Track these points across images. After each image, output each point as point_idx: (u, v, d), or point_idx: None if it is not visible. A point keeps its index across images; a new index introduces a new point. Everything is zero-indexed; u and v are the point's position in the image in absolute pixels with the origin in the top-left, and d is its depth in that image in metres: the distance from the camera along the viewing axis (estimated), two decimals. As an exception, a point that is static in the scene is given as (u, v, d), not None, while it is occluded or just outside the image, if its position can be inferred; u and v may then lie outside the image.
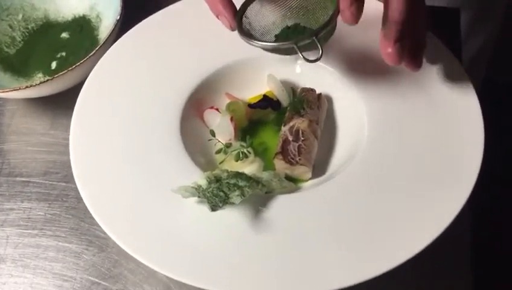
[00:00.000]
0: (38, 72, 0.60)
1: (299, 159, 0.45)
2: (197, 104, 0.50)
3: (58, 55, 0.61)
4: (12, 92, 0.52)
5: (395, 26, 0.39)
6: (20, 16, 0.64)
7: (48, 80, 0.52)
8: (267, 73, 0.50)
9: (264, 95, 0.50)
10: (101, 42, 0.54)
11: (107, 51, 0.53)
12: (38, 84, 0.52)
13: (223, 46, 0.51)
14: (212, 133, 0.48)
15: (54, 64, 0.60)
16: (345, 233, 0.40)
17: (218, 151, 0.48)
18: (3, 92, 0.52)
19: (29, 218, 0.50)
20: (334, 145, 0.48)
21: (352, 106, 0.48)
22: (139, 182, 0.44)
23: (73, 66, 0.52)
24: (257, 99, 0.50)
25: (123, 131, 0.47)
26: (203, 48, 0.52)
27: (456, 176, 0.42)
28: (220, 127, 0.48)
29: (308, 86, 0.50)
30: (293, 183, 0.45)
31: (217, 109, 0.49)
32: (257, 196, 0.42)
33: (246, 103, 0.51)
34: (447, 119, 0.45)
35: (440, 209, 0.40)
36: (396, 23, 0.39)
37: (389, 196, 0.42)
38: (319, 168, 0.47)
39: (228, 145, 0.48)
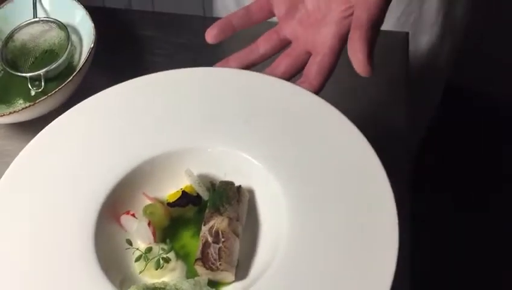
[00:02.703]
0: (19, 99, 0.65)
1: (220, 265, 0.44)
2: (113, 208, 0.48)
3: (37, 82, 0.65)
4: None
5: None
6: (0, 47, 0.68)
7: (29, 106, 0.59)
8: (185, 168, 0.49)
9: (183, 191, 0.49)
10: (77, 69, 0.61)
11: (24, 149, 0.51)
12: (20, 110, 0.59)
13: (137, 144, 0.50)
14: (129, 242, 0.46)
15: (32, 91, 0.64)
16: None
17: (137, 259, 0.46)
18: None
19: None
20: (257, 240, 0.47)
21: (273, 198, 0.47)
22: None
23: (52, 92, 0.59)
24: (176, 196, 0.49)
25: (32, 244, 0.45)
26: (116, 146, 0.51)
27: (376, 261, 0.42)
28: (138, 233, 0.47)
29: (228, 178, 0.49)
30: (214, 289, 0.44)
31: (133, 214, 0.47)
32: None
33: (165, 201, 0.49)
34: (362, 208, 0.45)
35: None
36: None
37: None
38: (243, 268, 0.46)
39: (148, 251, 0.46)
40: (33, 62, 0.68)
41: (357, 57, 0.46)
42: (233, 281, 0.45)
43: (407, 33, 0.68)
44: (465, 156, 1.52)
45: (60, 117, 0.54)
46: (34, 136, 0.53)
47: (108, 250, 0.46)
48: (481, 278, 1.34)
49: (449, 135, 1.49)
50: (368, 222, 0.44)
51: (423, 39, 0.82)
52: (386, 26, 0.76)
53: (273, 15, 0.56)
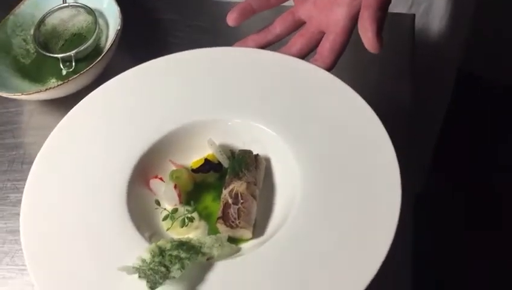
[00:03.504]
0: (52, 78, 0.70)
1: (239, 223, 0.48)
2: (143, 173, 0.53)
3: (67, 63, 0.70)
4: (34, 94, 0.64)
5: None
6: (32, 31, 0.72)
7: (61, 84, 0.63)
8: (208, 138, 0.54)
9: (206, 159, 0.54)
10: (105, 51, 0.66)
11: (61, 122, 0.57)
12: (54, 87, 0.63)
13: (164, 116, 0.55)
14: (157, 203, 0.51)
15: (64, 71, 0.70)
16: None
17: (165, 218, 0.51)
18: (28, 94, 0.64)
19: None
20: (273, 203, 0.52)
21: (288, 165, 0.52)
22: (85, 256, 0.47)
23: (82, 72, 0.64)
24: (200, 163, 0.54)
25: (71, 205, 0.51)
26: (144, 119, 0.55)
27: (376, 226, 0.46)
28: (165, 195, 0.51)
29: (246, 147, 0.54)
30: (234, 245, 0.49)
31: (161, 178, 0.52)
32: (199, 264, 0.45)
33: (189, 167, 0.54)
34: (368, 175, 0.49)
35: (369, 255, 0.44)
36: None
37: (321, 250, 0.45)
38: (260, 227, 0.50)
39: (174, 211, 0.51)
40: (63, 44, 0.73)
41: (367, 35, 0.50)
42: (251, 238, 0.50)
43: (414, 15, 0.71)
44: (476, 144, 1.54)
45: (91, 94, 0.59)
46: (66, 112, 0.58)
47: (139, 209, 0.51)
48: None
49: (464, 124, 1.52)
50: (372, 187, 0.48)
51: (434, 28, 0.85)
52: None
53: None
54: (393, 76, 0.64)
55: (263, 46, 0.60)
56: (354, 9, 0.53)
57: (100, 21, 0.73)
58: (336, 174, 0.49)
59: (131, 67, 0.60)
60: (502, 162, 1.51)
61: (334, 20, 0.55)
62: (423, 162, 1.19)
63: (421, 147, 1.12)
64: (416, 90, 0.70)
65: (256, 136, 0.54)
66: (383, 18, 0.51)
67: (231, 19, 0.59)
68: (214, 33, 0.74)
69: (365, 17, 0.50)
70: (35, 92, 0.64)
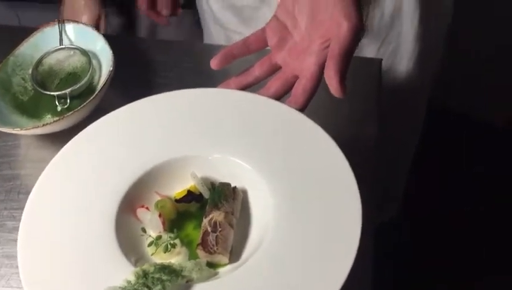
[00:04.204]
0: (48, 114, 0.76)
1: (217, 249, 0.53)
2: (130, 203, 0.58)
3: (62, 100, 0.75)
4: (32, 129, 0.70)
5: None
6: (31, 70, 0.78)
7: (56, 120, 0.69)
8: (191, 171, 0.59)
9: (188, 190, 0.59)
10: (97, 90, 0.72)
11: (56, 156, 0.62)
12: (50, 123, 0.69)
13: (150, 151, 0.61)
14: (143, 230, 0.57)
15: (59, 107, 0.75)
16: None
17: (150, 244, 0.56)
18: (25, 129, 0.70)
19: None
20: (248, 231, 0.57)
21: (262, 197, 0.57)
22: (77, 279, 0.52)
23: (76, 109, 0.70)
24: (183, 194, 0.59)
25: (65, 232, 0.56)
26: (133, 153, 0.61)
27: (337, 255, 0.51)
28: (150, 223, 0.57)
29: (226, 180, 0.59)
30: (212, 269, 0.54)
31: (147, 208, 0.58)
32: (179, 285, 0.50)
33: (173, 198, 0.59)
34: (332, 207, 0.54)
35: (329, 281, 0.50)
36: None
37: (288, 276, 0.51)
38: (236, 253, 0.55)
39: (159, 238, 0.56)
40: (59, 82, 0.79)
41: (332, 82, 0.57)
42: (228, 263, 0.55)
43: (381, 59, 0.78)
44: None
45: (84, 130, 0.64)
46: (61, 146, 0.63)
47: (126, 236, 0.56)
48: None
49: (435, 155, 1.59)
50: (336, 219, 0.54)
51: (402, 66, 0.92)
52: (367, 55, 0.87)
53: (267, 45, 0.66)
54: (361, 115, 0.70)
55: (243, 88, 0.66)
56: (322, 58, 0.59)
57: (94, 61, 0.79)
58: (304, 206, 0.55)
59: (122, 105, 0.65)
60: (469, 192, 1.58)
61: (306, 66, 0.61)
62: (395, 193, 1.25)
63: (393, 178, 1.18)
64: (386, 126, 0.76)
65: (235, 170, 0.59)
66: (347, 66, 0.57)
67: (214, 64, 0.65)
68: (200, 74, 0.80)
69: (330, 66, 0.57)
70: (33, 128, 0.70)
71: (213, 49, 0.76)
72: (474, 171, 1.59)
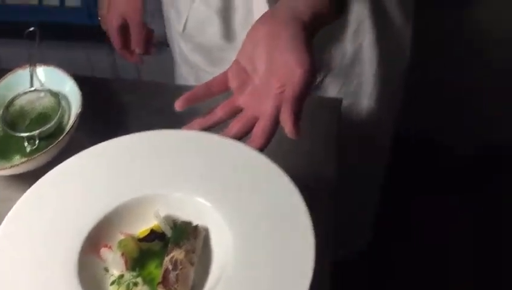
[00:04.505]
0: (17, 155, 0.78)
1: (177, 287, 0.55)
2: (94, 242, 0.60)
3: (32, 141, 0.78)
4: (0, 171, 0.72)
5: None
6: (1, 111, 0.81)
7: (24, 162, 0.72)
8: (154, 210, 0.61)
9: (151, 229, 0.61)
10: (66, 130, 0.75)
11: (23, 196, 0.63)
12: (18, 165, 0.72)
13: (115, 191, 0.62)
14: (106, 269, 0.58)
15: (28, 148, 0.77)
16: None
17: (112, 283, 0.57)
18: None
19: None
20: (209, 267, 0.59)
21: (222, 234, 0.59)
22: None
23: (44, 151, 0.72)
24: (146, 233, 0.61)
25: (30, 271, 0.57)
26: (97, 193, 0.63)
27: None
28: (113, 262, 0.58)
29: (188, 218, 0.61)
30: (173, 307, 0.55)
31: (110, 247, 0.59)
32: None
33: (137, 237, 0.61)
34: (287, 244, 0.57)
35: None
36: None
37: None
38: (196, 288, 0.57)
39: (121, 277, 0.58)
40: (29, 123, 0.81)
41: (286, 125, 0.60)
42: (188, 300, 0.56)
43: (341, 99, 0.82)
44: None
45: (51, 171, 0.66)
46: (29, 185, 0.65)
47: (89, 276, 0.57)
48: None
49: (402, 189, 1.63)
50: (289, 256, 0.56)
51: (364, 104, 0.96)
52: (330, 93, 0.90)
53: (229, 89, 0.69)
54: (320, 155, 0.73)
55: (207, 128, 0.69)
56: (280, 101, 0.62)
57: (63, 102, 0.81)
58: (261, 244, 0.57)
59: (90, 145, 0.67)
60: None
61: (264, 109, 0.64)
62: (362, 228, 1.28)
63: (360, 213, 1.21)
64: (348, 162, 0.78)
65: (197, 209, 0.62)
66: (301, 109, 0.60)
67: (178, 106, 0.68)
68: (168, 114, 0.82)
69: (284, 110, 0.60)
70: (1, 169, 0.71)
71: (181, 90, 0.78)
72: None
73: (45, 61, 0.84)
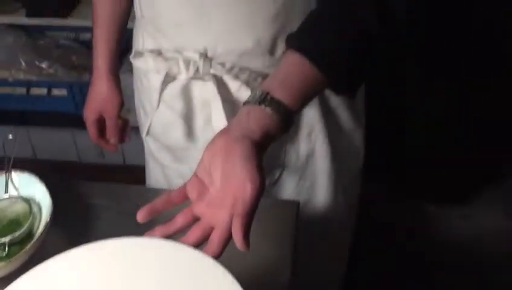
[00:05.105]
0: None
1: None
2: None
3: (1, 246, 0.80)
4: None
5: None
6: None
7: None
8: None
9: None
10: (35, 237, 0.78)
11: None
12: None
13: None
14: None
15: None
16: None
17: None
18: None
19: None
20: None
21: None
22: None
23: (13, 258, 0.76)
24: None
25: None
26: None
27: None
28: None
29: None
30: None
31: None
32: None
33: None
34: None
35: None
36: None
37: None
38: None
39: None
40: (0, 229, 0.85)
41: (236, 238, 0.65)
42: None
43: (298, 202, 0.88)
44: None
45: (21, 277, 0.69)
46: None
47: None
48: None
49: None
50: None
51: (319, 200, 1.02)
52: (286, 195, 0.96)
53: (188, 199, 0.75)
54: (275, 261, 0.77)
55: (168, 235, 0.74)
56: (233, 212, 0.68)
57: (35, 207, 0.86)
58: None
59: (61, 250, 0.70)
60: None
61: (220, 219, 0.69)
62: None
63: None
64: (310, 257, 0.83)
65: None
66: (250, 222, 0.66)
67: (140, 217, 0.73)
68: (134, 217, 0.87)
69: (235, 224, 0.66)
70: (-30, 277, 0.75)
71: (148, 192, 0.84)
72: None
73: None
